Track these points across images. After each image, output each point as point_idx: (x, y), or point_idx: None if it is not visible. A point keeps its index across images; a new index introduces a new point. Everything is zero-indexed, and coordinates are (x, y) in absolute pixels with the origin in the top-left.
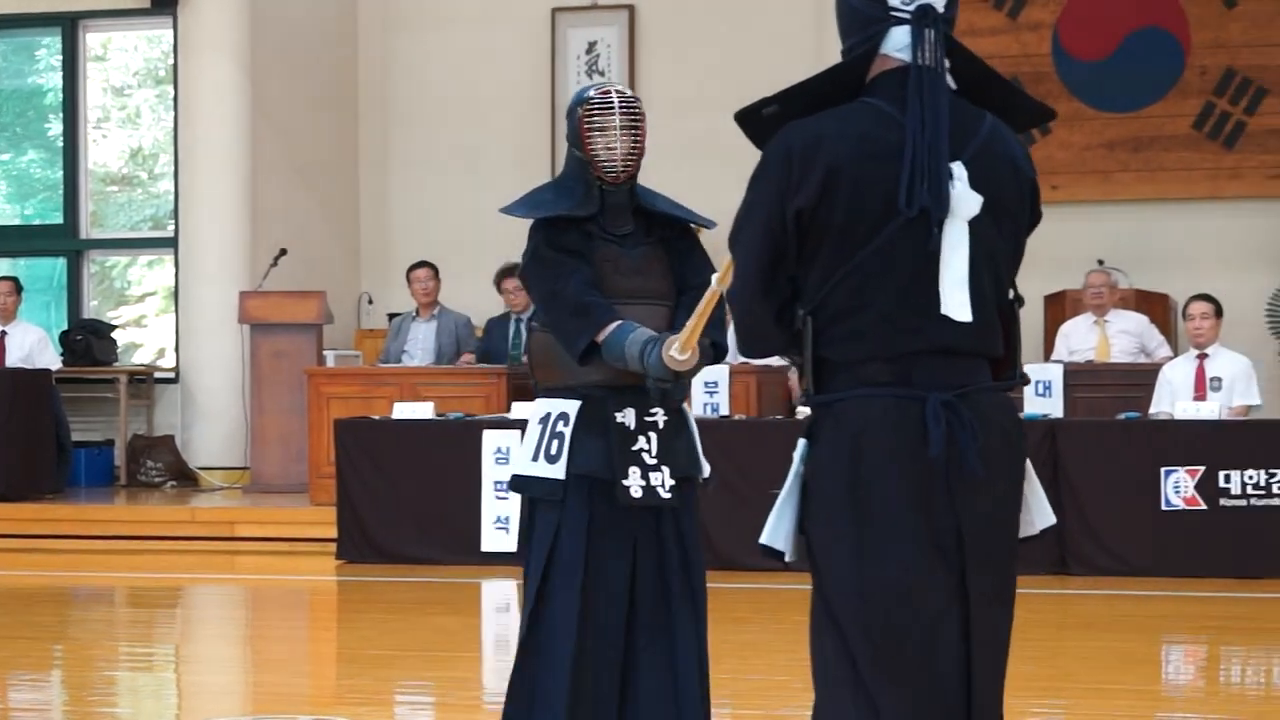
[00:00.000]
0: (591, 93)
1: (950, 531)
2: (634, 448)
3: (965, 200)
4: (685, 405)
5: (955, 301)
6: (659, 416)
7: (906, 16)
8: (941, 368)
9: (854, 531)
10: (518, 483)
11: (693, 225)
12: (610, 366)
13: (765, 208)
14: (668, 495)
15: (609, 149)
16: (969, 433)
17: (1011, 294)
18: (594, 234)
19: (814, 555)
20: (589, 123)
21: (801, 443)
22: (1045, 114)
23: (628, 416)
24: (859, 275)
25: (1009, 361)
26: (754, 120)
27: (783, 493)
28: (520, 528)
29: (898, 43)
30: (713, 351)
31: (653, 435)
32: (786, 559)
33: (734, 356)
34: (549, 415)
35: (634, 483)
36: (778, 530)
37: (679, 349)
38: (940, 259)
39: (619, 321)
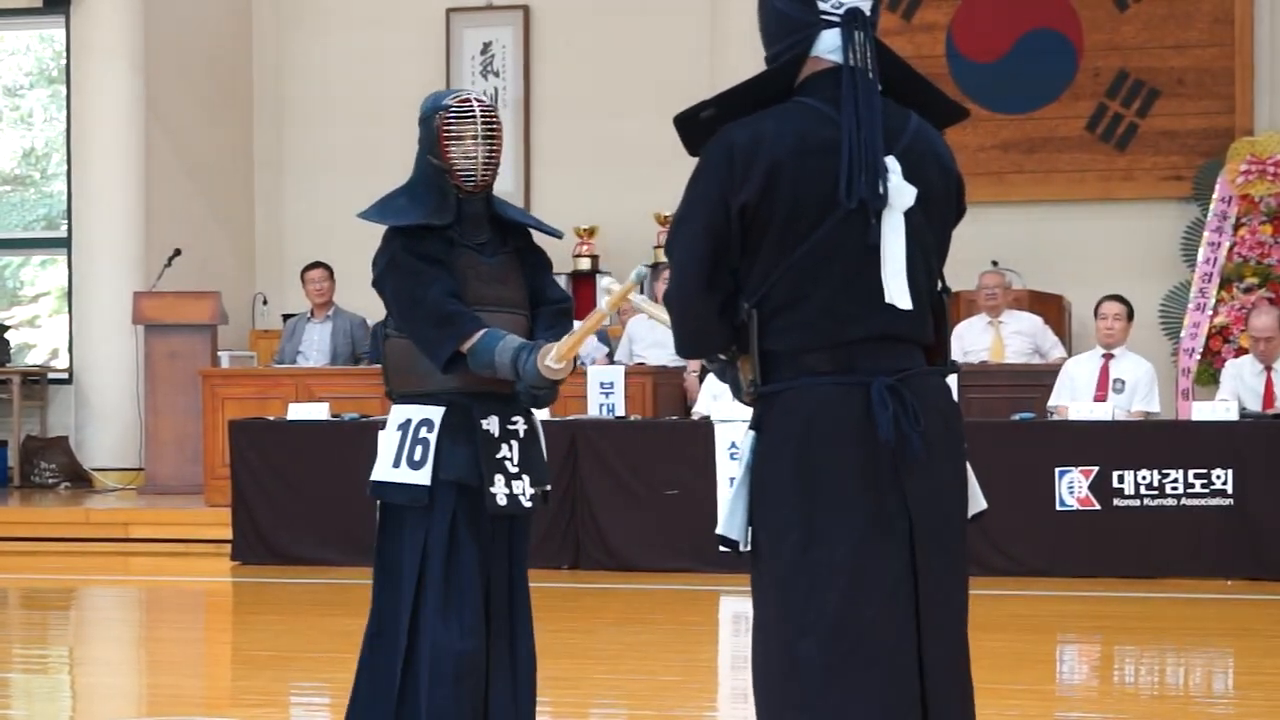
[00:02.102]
0: (449, 100)
1: (899, 513)
2: (498, 455)
3: (900, 192)
4: (535, 416)
5: (896, 289)
6: (520, 425)
7: (836, 19)
8: (882, 354)
9: (802, 517)
10: (377, 489)
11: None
12: (471, 373)
13: (707, 205)
14: (529, 504)
15: (467, 157)
16: (910, 416)
17: (940, 285)
18: (455, 240)
19: (761, 547)
20: (446, 130)
21: (750, 434)
22: (960, 113)
23: (492, 424)
24: (800, 268)
25: (940, 349)
26: (690, 124)
27: (735, 484)
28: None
29: (828, 45)
30: (572, 364)
31: (514, 444)
32: (742, 548)
33: (629, 358)
34: (409, 421)
35: (499, 490)
36: (732, 520)
37: (555, 358)
38: (881, 249)
39: (485, 329)
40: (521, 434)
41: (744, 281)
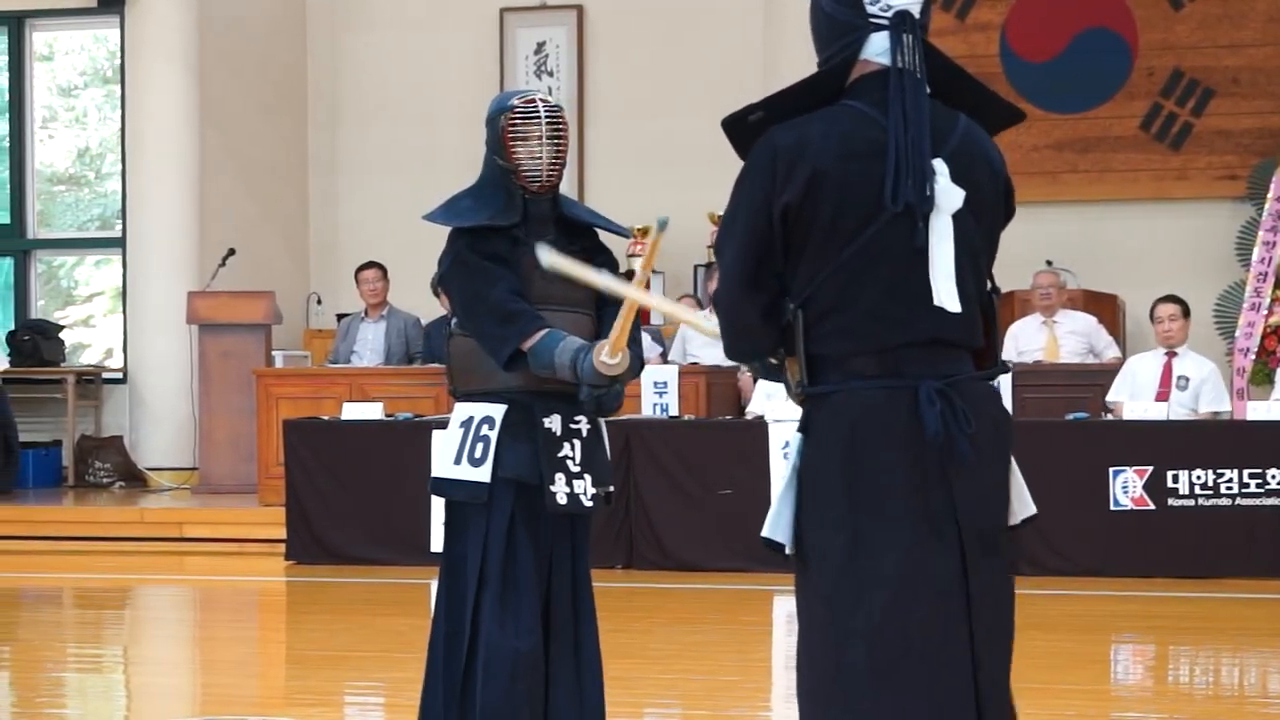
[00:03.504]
0: (515, 101)
1: (947, 516)
2: (559, 454)
3: (948, 194)
4: (600, 418)
5: (945, 292)
6: (583, 424)
7: (885, 23)
8: (930, 358)
9: (850, 520)
10: (438, 486)
11: (615, 233)
12: (533, 372)
13: (751, 207)
14: (590, 504)
15: (533, 158)
16: (961, 419)
17: (990, 285)
18: (520, 240)
19: (807, 551)
20: (512, 131)
21: (797, 436)
22: (1015, 115)
23: (554, 423)
24: (846, 270)
25: (990, 352)
26: (739, 127)
27: (781, 486)
28: (444, 532)
29: (877, 48)
30: (637, 363)
31: (576, 443)
32: (787, 551)
33: (683, 358)
34: (471, 419)
35: (560, 489)
36: (778, 524)
37: (608, 354)
38: (929, 252)
39: (546, 329)
40: (584, 433)
41: (790, 283)
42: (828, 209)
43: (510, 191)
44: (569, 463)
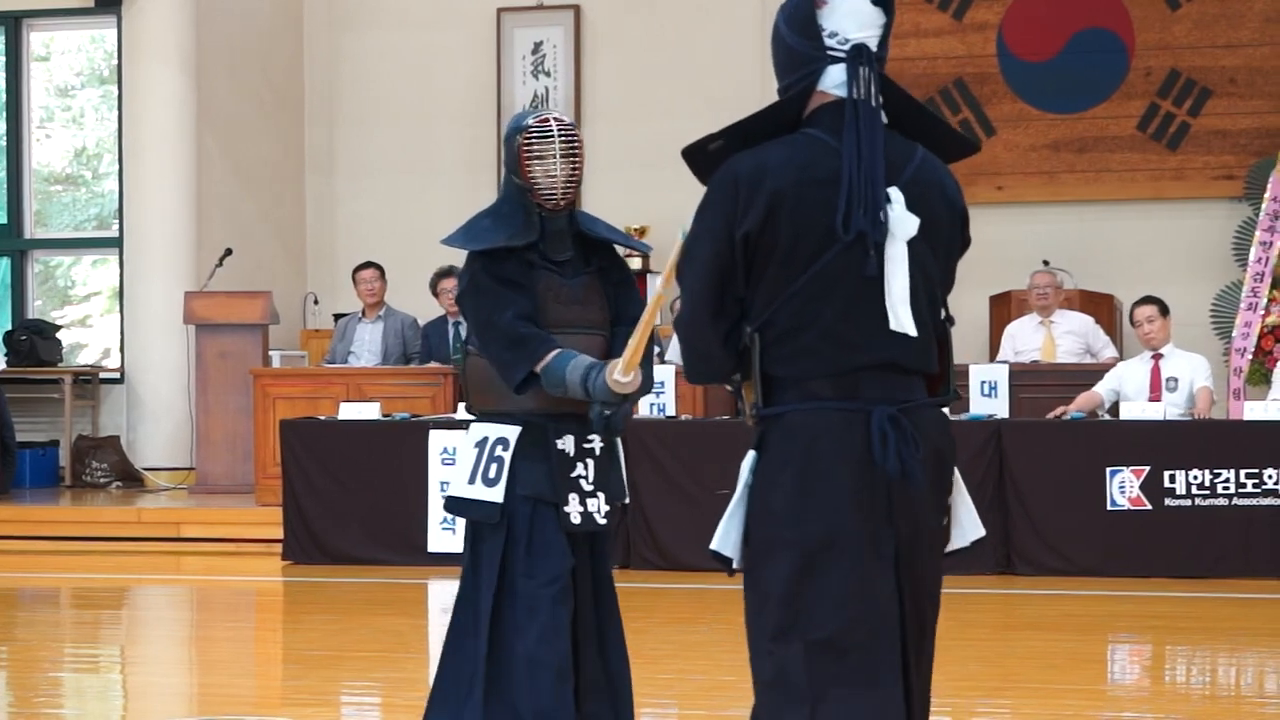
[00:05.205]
0: (530, 120)
1: (889, 541)
2: (573, 474)
3: (903, 222)
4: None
5: (902, 317)
6: (595, 444)
7: (841, 55)
8: (885, 383)
9: (801, 540)
10: (453, 505)
11: (635, 252)
12: (547, 394)
13: (713, 234)
14: (603, 521)
15: (549, 176)
16: (911, 446)
17: (944, 313)
18: (535, 263)
19: (757, 568)
20: (528, 150)
21: (751, 454)
22: (970, 147)
23: (567, 444)
24: (803, 296)
25: (943, 378)
26: (699, 156)
27: (732, 502)
28: (466, 546)
29: (834, 80)
30: (648, 381)
31: (590, 462)
32: (735, 565)
33: (679, 357)
34: (486, 439)
35: (573, 509)
36: (727, 538)
37: (621, 372)
38: (885, 278)
39: (557, 350)
40: (598, 452)
41: (749, 307)
42: (786, 234)
43: (528, 210)
44: (582, 482)
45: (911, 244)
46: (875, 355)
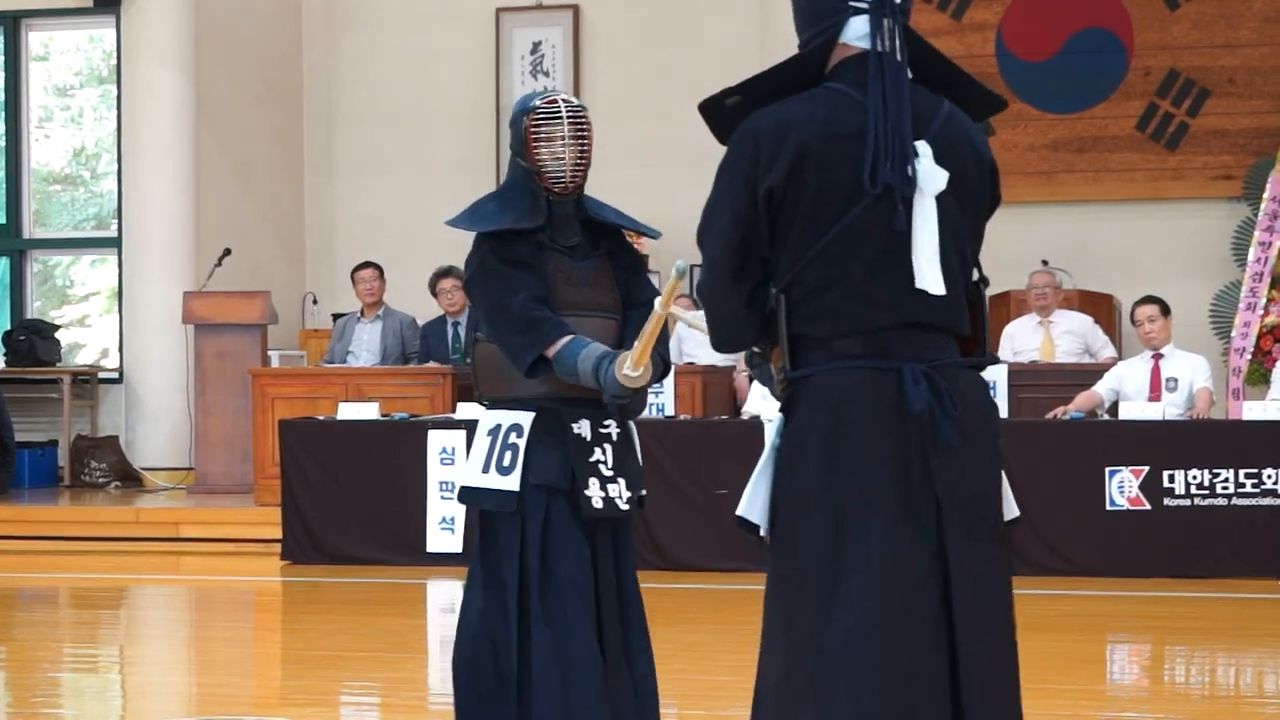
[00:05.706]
0: (537, 102)
1: (928, 504)
2: (591, 459)
3: (931, 176)
4: (630, 422)
5: (929, 274)
6: (612, 429)
7: (864, 7)
8: (915, 342)
9: (831, 504)
10: (467, 495)
11: (643, 237)
12: (559, 379)
13: (734, 192)
14: (626, 506)
15: (556, 159)
16: (946, 402)
17: (976, 275)
18: (545, 244)
19: (785, 534)
20: (535, 132)
21: (778, 417)
22: (997, 104)
23: (583, 428)
24: (829, 253)
25: (977, 340)
26: (716, 111)
27: (758, 466)
28: (476, 539)
29: (857, 32)
30: (661, 365)
31: (607, 447)
32: (761, 532)
33: (679, 358)
34: (499, 427)
35: (595, 493)
36: (753, 504)
37: (631, 366)
38: (912, 234)
39: (569, 336)
40: (615, 438)
41: (773, 267)
42: (810, 190)
43: (535, 194)
44: (601, 467)
45: (940, 199)
46: (904, 314)
